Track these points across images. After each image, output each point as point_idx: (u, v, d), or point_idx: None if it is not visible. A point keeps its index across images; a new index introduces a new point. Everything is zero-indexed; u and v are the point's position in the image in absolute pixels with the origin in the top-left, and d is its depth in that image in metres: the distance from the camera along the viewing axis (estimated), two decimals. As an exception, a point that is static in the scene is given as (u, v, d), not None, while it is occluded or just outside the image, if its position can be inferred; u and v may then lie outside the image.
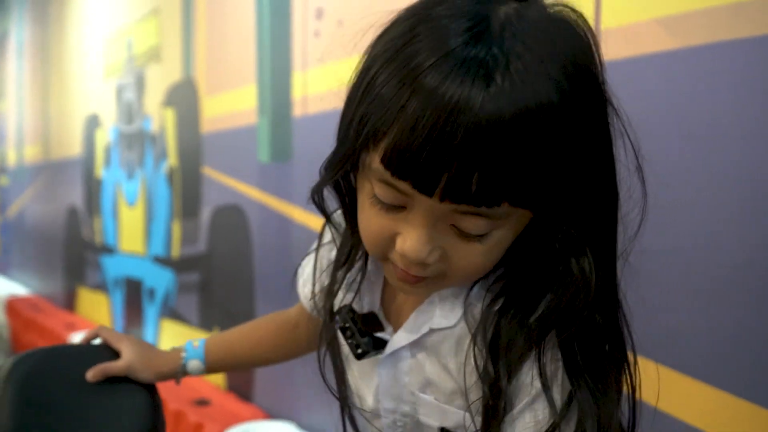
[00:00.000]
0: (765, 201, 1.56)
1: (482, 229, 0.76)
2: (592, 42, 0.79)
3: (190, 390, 3.64)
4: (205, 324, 4.10)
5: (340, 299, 1.04)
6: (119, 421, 1.23)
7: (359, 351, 0.98)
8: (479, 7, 0.73)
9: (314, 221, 3.10)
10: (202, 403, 3.53)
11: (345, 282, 1.03)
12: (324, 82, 3.00)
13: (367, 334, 0.99)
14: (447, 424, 0.94)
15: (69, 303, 6.64)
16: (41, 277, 7.59)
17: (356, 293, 1.01)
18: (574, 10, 0.79)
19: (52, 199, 7.12)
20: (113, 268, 5.53)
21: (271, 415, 3.42)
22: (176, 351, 1.32)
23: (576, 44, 0.77)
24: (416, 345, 0.96)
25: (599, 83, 0.78)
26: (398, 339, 0.97)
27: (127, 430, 1.23)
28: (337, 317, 1.01)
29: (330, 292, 1.04)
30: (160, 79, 4.64)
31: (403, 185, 0.75)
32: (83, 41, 6.18)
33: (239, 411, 3.45)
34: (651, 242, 1.76)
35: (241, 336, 1.38)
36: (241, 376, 3.71)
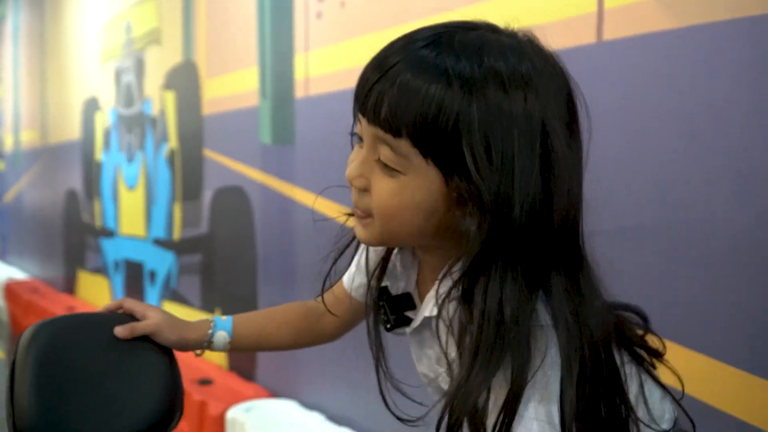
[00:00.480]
0: (760, 176, 1.59)
1: (392, 161, 0.91)
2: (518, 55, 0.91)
3: (193, 370, 3.67)
4: (207, 306, 4.13)
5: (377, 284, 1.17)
6: (140, 388, 1.26)
7: (388, 326, 1.13)
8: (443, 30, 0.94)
9: (317, 203, 3.12)
10: (205, 382, 3.57)
11: (387, 269, 1.15)
12: (326, 63, 3.03)
13: (396, 312, 1.13)
14: None
15: (69, 286, 6.67)
16: (40, 262, 7.61)
17: (388, 277, 1.15)
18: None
19: (51, 183, 7.13)
20: (113, 251, 5.55)
21: (273, 393, 3.46)
22: (205, 321, 1.33)
23: (496, 53, 0.90)
24: (424, 326, 1.09)
25: (506, 80, 0.88)
26: (417, 319, 1.10)
27: (148, 397, 1.26)
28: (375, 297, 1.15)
29: (376, 278, 1.15)
30: (160, 62, 4.65)
31: (356, 111, 0.95)
32: (80, 25, 6.19)
33: (242, 390, 3.49)
34: (649, 218, 1.80)
35: (267, 316, 1.40)
36: (243, 356, 3.74)
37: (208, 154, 4.09)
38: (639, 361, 1.05)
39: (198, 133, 4.18)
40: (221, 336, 1.33)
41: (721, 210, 1.67)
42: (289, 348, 1.44)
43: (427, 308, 1.05)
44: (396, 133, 0.89)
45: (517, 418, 0.88)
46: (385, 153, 0.91)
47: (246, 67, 3.65)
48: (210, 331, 1.32)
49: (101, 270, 5.83)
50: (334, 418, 3.03)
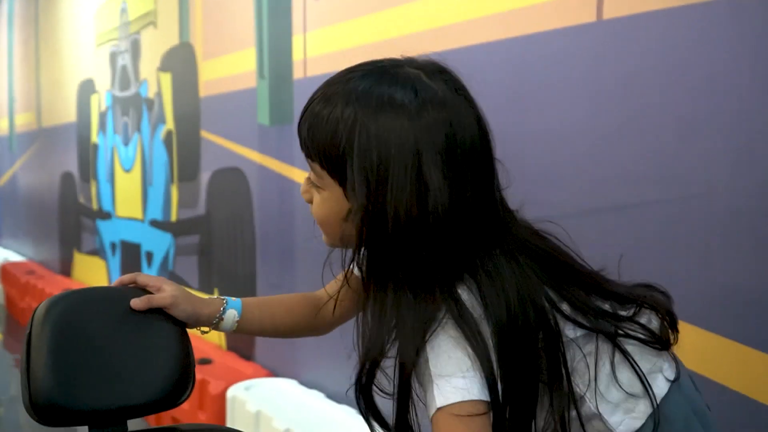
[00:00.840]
0: (758, 149, 1.62)
1: (315, 179, 1.10)
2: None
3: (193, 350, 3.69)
4: (205, 286, 4.16)
5: None
6: (154, 360, 1.29)
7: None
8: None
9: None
10: (205, 362, 3.60)
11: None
12: (325, 44, 3.05)
13: None
14: None
15: (64, 268, 6.68)
16: (35, 244, 7.63)
17: None
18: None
19: (46, 166, 7.14)
20: (110, 232, 5.57)
21: (272, 373, 3.49)
22: (217, 299, 1.35)
23: (388, 86, 1.04)
24: None
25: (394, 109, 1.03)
26: None
27: (161, 368, 1.29)
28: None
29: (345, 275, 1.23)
30: (156, 44, 4.66)
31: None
32: (75, 9, 6.18)
33: (242, 369, 3.52)
34: (648, 193, 1.83)
35: (275, 302, 1.43)
36: (242, 336, 3.77)
37: (206, 135, 4.11)
38: (624, 353, 1.12)
39: (195, 114, 4.20)
40: (231, 315, 1.35)
41: (720, 185, 1.70)
42: (289, 335, 1.49)
43: None
44: (312, 158, 1.09)
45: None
46: (311, 173, 1.11)
47: (243, 48, 3.67)
48: (222, 308, 1.35)
49: (98, 252, 5.85)
50: (334, 396, 3.07)
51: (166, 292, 1.30)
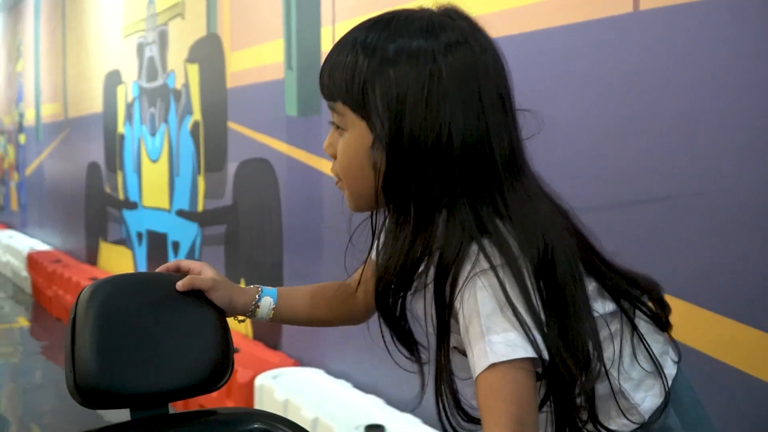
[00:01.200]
0: (761, 144, 1.64)
1: (338, 121, 1.10)
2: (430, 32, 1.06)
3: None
4: (232, 276, 4.19)
5: None
6: (194, 344, 1.31)
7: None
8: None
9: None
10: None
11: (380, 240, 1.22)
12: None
13: None
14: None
15: (90, 257, 6.74)
16: (61, 233, 7.69)
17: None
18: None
19: (72, 156, 7.19)
20: (136, 222, 5.62)
21: (299, 362, 3.52)
22: (253, 287, 1.38)
23: (400, 25, 1.07)
24: None
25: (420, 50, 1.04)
26: None
27: (202, 352, 1.31)
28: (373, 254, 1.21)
29: (372, 245, 1.22)
30: (184, 36, 4.69)
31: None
32: (101, 1, 6.22)
33: (268, 358, 3.55)
34: (655, 191, 1.83)
35: (308, 291, 1.44)
36: (268, 325, 3.80)
37: (233, 126, 4.13)
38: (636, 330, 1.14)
39: (222, 105, 4.22)
40: (267, 302, 1.38)
41: (728, 179, 1.71)
42: (325, 324, 1.50)
43: None
44: (334, 98, 1.09)
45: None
46: (334, 117, 1.11)
47: (271, 40, 3.69)
48: (258, 296, 1.37)
49: (124, 241, 5.90)
50: (361, 386, 3.09)
51: (207, 276, 1.33)
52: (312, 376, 3.27)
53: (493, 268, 0.98)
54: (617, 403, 1.12)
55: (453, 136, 1.01)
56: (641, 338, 1.14)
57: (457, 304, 1.00)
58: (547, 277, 1.01)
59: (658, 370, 1.14)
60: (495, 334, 0.96)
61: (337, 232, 3.27)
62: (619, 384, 1.11)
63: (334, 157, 1.14)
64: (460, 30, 1.06)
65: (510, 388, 0.95)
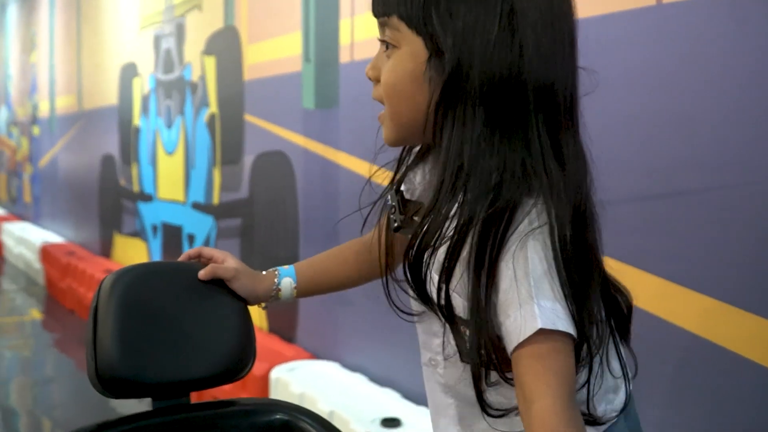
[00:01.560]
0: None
1: (389, 37, 1.03)
2: None
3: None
4: (247, 268, 4.17)
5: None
6: (217, 334, 1.30)
7: (395, 224, 1.15)
8: None
9: (360, 166, 3.15)
10: (247, 343, 3.61)
11: (407, 176, 1.17)
12: (373, 28, 3.04)
13: (404, 213, 1.14)
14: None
15: (105, 250, 6.75)
16: (75, 225, 7.71)
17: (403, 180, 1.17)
18: None
19: (87, 148, 7.20)
20: (151, 214, 5.62)
21: (314, 355, 3.51)
22: (270, 272, 1.37)
23: None
24: None
25: None
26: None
27: (224, 342, 1.30)
28: (389, 196, 1.16)
29: (392, 180, 1.18)
30: (201, 28, 4.68)
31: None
32: (118, -9, 6.23)
33: (284, 351, 3.54)
34: (694, 182, 1.82)
35: (327, 256, 1.43)
36: (283, 318, 3.80)
37: (249, 119, 4.12)
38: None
39: (239, 98, 4.21)
40: (287, 283, 1.37)
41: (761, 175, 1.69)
42: (352, 284, 1.45)
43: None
44: (389, 13, 1.02)
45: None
46: (385, 33, 1.04)
47: (289, 32, 3.67)
48: (276, 279, 1.36)
49: (139, 233, 5.91)
50: (376, 380, 3.08)
51: (229, 265, 1.32)
52: (327, 370, 3.26)
53: (548, 225, 0.93)
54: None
55: (523, 65, 0.95)
56: (616, 343, 1.06)
57: (505, 261, 0.93)
58: (578, 235, 0.94)
59: (625, 378, 1.08)
60: (545, 299, 0.90)
61: (353, 226, 3.24)
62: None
63: (376, 80, 1.07)
64: None
65: (561, 359, 0.90)
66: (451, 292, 0.97)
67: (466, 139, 0.95)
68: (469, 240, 0.94)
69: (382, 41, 1.05)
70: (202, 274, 1.31)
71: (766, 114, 1.69)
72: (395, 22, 1.01)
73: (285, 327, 3.80)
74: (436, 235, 0.97)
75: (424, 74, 0.99)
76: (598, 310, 0.97)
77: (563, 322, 0.89)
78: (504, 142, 0.95)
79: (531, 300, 0.90)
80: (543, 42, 0.95)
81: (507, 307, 0.92)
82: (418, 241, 0.99)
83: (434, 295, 0.98)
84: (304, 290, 1.39)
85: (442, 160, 0.98)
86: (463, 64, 0.95)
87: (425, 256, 0.99)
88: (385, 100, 1.06)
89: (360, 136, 3.13)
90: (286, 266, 1.39)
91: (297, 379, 3.11)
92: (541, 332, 0.88)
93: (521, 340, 0.90)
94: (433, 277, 0.99)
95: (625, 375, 1.08)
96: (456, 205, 0.96)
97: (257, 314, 3.07)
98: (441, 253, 0.97)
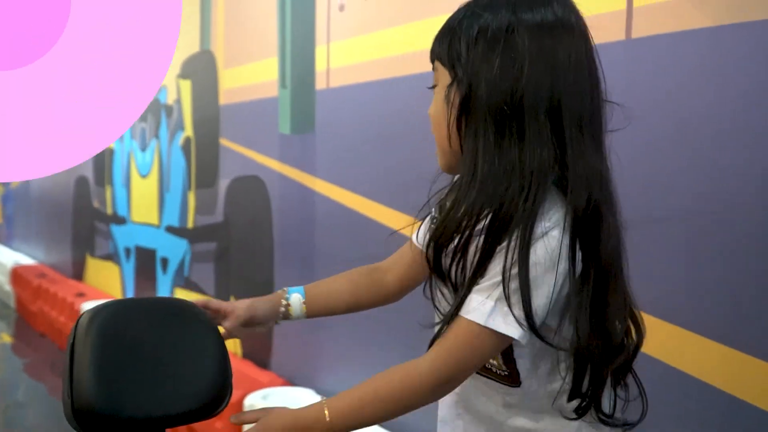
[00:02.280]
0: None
1: (435, 79, 1.20)
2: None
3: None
4: (222, 293, 4.17)
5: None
6: (194, 370, 1.30)
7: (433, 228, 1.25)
8: None
9: (336, 192, 3.17)
10: (221, 369, 3.59)
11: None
12: (349, 55, 3.06)
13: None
14: None
15: (77, 272, 6.70)
16: (47, 247, 7.64)
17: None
18: None
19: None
20: (125, 237, 5.59)
21: (288, 381, 3.50)
22: (276, 292, 1.42)
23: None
24: None
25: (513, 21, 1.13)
26: None
27: (201, 378, 1.30)
28: (434, 210, 1.26)
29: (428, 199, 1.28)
30: (177, 51, 4.66)
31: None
32: (94, 13, 6.21)
33: (258, 377, 3.53)
34: (673, 208, 1.84)
35: (333, 279, 1.47)
36: (258, 343, 3.78)
37: (225, 143, 4.12)
38: None
39: (214, 122, 4.21)
40: (296, 299, 1.41)
41: (745, 201, 1.71)
42: (357, 308, 1.49)
43: None
44: (432, 59, 1.20)
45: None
46: (434, 78, 1.21)
47: (265, 58, 3.68)
48: (286, 295, 1.41)
49: (111, 256, 5.87)
50: (351, 406, 3.06)
51: (236, 306, 1.41)
52: (302, 396, 3.24)
53: (555, 229, 1.09)
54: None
55: (520, 87, 1.09)
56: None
57: (500, 255, 1.09)
58: (587, 233, 1.10)
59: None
60: (499, 300, 1.09)
61: (330, 252, 3.26)
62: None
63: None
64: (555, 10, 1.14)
65: (477, 345, 1.10)
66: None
67: (478, 148, 1.12)
68: (477, 231, 1.11)
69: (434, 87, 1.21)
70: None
71: (739, 145, 1.72)
72: (436, 65, 1.19)
73: (259, 352, 3.79)
74: (456, 226, 1.13)
75: (446, 97, 1.15)
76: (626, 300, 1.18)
77: (511, 329, 1.08)
78: (511, 151, 1.10)
79: (487, 291, 1.10)
80: (538, 68, 1.10)
81: (480, 285, 1.11)
82: (441, 228, 1.15)
83: (446, 266, 1.15)
84: (314, 306, 1.43)
85: (462, 167, 1.15)
86: (473, 87, 1.12)
87: (444, 241, 1.15)
88: (433, 130, 1.22)
89: (335, 162, 3.14)
90: (293, 286, 1.43)
91: (271, 406, 3.09)
92: (475, 324, 1.10)
93: (463, 316, 1.11)
94: (448, 255, 1.15)
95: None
96: (469, 204, 1.12)
97: (231, 340, 3.01)
98: (456, 239, 1.14)
